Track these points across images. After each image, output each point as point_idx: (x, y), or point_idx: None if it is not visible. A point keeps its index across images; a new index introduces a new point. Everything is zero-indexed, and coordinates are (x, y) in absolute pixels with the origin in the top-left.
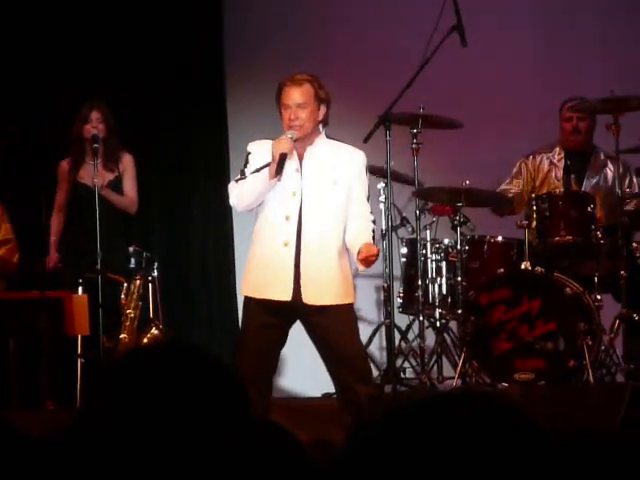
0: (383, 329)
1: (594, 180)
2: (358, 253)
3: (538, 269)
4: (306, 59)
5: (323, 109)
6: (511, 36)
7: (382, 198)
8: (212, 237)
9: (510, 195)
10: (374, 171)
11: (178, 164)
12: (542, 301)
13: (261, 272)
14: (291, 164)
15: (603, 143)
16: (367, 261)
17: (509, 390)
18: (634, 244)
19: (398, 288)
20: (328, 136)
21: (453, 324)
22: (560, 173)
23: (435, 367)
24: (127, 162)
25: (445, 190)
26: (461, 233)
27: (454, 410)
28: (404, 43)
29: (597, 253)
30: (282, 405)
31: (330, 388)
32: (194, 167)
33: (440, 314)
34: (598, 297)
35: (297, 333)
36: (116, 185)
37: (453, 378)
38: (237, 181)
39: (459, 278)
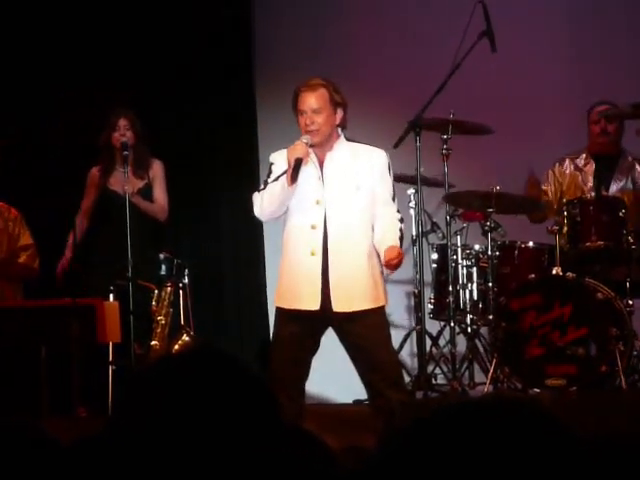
0: (414, 335)
1: (621, 183)
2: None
3: (569, 274)
4: (335, 64)
5: (340, 113)
6: (542, 40)
7: (412, 204)
8: (242, 243)
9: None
10: (404, 179)
11: (208, 170)
12: (573, 306)
13: (290, 282)
14: (312, 172)
15: (633, 148)
16: (390, 265)
17: (540, 396)
18: None
19: (429, 294)
20: (348, 138)
21: (484, 330)
22: (586, 177)
23: (466, 373)
24: (157, 169)
25: (476, 195)
26: (492, 239)
27: (485, 416)
28: (434, 49)
29: (629, 258)
30: (313, 411)
31: (361, 394)
32: (224, 173)
33: (471, 320)
34: (630, 302)
35: (328, 339)
36: (146, 192)
37: (484, 384)
38: (259, 191)
39: (490, 284)
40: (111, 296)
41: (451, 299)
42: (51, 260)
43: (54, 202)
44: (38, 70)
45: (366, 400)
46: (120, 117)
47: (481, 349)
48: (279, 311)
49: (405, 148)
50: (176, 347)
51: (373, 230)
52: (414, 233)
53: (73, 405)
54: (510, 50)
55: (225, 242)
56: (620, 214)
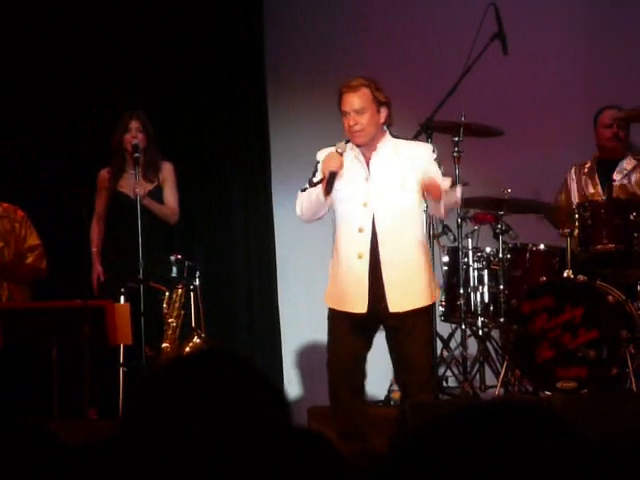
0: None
1: (618, 181)
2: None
3: (580, 277)
4: (344, 64)
5: (384, 111)
6: (555, 43)
7: (424, 207)
8: (254, 246)
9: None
10: None
11: (219, 173)
12: (584, 309)
13: (338, 284)
14: (359, 172)
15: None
16: (429, 188)
17: (552, 399)
18: None
19: (440, 296)
20: (394, 135)
21: (495, 333)
22: (588, 182)
23: (477, 376)
24: (167, 171)
25: (487, 198)
26: (503, 241)
27: (496, 419)
28: (445, 51)
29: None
30: (325, 413)
31: (376, 396)
32: (235, 175)
33: (482, 322)
34: None
35: None
36: (157, 194)
37: (495, 387)
38: (303, 190)
39: (501, 286)
40: (122, 298)
41: (462, 302)
42: (58, 261)
43: (61, 202)
44: (46, 70)
45: (379, 402)
46: (132, 119)
47: (492, 352)
48: (331, 311)
49: None
50: (187, 349)
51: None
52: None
53: (84, 407)
54: (522, 53)
55: (237, 245)
56: (631, 217)
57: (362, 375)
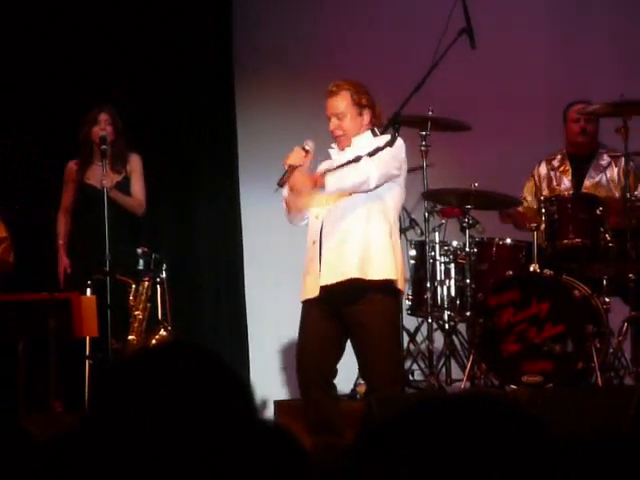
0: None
1: (595, 179)
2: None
3: (547, 271)
4: (313, 62)
5: (367, 115)
6: (522, 38)
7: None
8: (220, 239)
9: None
10: None
11: (186, 166)
12: (551, 303)
13: (305, 274)
14: (330, 165)
15: (610, 144)
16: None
17: (517, 392)
18: None
19: (407, 290)
20: (375, 134)
21: (462, 326)
22: (560, 178)
23: (444, 369)
24: (135, 163)
25: (454, 192)
26: (470, 235)
27: (462, 413)
28: (414, 46)
29: (606, 255)
30: (292, 406)
31: (342, 390)
32: (202, 169)
33: (449, 316)
34: (606, 300)
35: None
36: (124, 186)
37: (461, 380)
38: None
39: (468, 280)
40: (88, 290)
41: (429, 295)
42: (25, 253)
43: (30, 195)
44: (12, 64)
45: (345, 395)
46: (101, 111)
47: (458, 345)
48: (302, 306)
49: None
50: (153, 342)
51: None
52: None
53: (49, 399)
54: (491, 48)
55: (204, 237)
56: (597, 212)
57: (332, 368)
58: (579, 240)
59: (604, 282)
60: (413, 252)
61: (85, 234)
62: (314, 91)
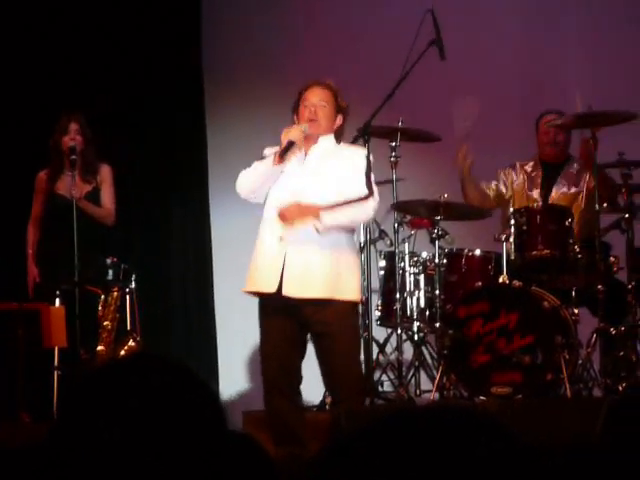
0: (361, 342)
1: (563, 188)
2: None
3: (516, 283)
4: (284, 70)
5: (340, 120)
6: (493, 50)
7: None
8: (191, 249)
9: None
10: None
11: (157, 176)
12: (520, 314)
13: (256, 267)
14: (298, 163)
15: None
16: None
17: (486, 404)
18: (612, 258)
19: (376, 301)
20: (339, 141)
21: (431, 337)
22: (532, 185)
23: (413, 380)
24: (105, 173)
25: (424, 203)
26: (439, 246)
27: (431, 424)
28: (385, 55)
29: (575, 267)
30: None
31: (311, 401)
32: (173, 179)
33: (418, 327)
34: (575, 311)
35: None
36: (94, 196)
37: (431, 391)
38: (245, 169)
39: (437, 291)
40: (57, 301)
41: (398, 306)
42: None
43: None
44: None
45: (314, 406)
46: (70, 121)
47: (428, 356)
48: (259, 302)
49: None
50: (122, 352)
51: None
52: (362, 240)
53: (17, 410)
54: (460, 59)
55: (173, 248)
56: (566, 223)
57: (296, 377)
58: (548, 251)
59: (573, 293)
60: (383, 263)
61: (54, 244)
62: (285, 99)
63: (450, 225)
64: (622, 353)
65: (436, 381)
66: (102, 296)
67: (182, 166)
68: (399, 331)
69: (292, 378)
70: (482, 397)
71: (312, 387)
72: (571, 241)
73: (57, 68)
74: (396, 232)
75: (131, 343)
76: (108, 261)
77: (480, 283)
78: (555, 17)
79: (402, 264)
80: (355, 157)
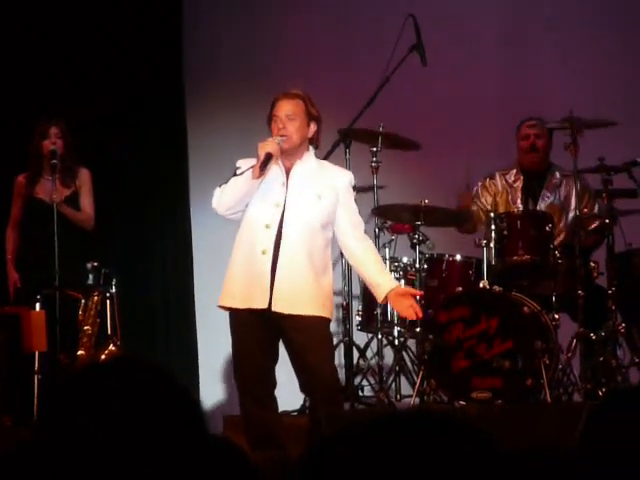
0: (342, 347)
1: (549, 200)
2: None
3: (496, 288)
4: (265, 76)
5: (313, 127)
6: (473, 56)
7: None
8: (171, 254)
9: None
10: None
11: (137, 180)
12: (500, 320)
13: (236, 282)
14: (277, 177)
15: (561, 161)
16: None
17: (466, 409)
18: (592, 264)
19: (357, 306)
20: (318, 157)
21: (411, 342)
22: (516, 194)
23: (393, 385)
24: (84, 177)
25: (404, 208)
26: (420, 251)
27: (412, 429)
28: (366, 59)
29: (555, 272)
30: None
31: (289, 406)
32: (153, 184)
33: (398, 332)
34: (556, 316)
35: None
36: (73, 201)
37: (411, 396)
38: (221, 186)
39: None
40: (37, 305)
41: (379, 311)
42: None
43: None
44: None
45: (295, 411)
46: (52, 125)
47: (408, 361)
48: (232, 313)
49: (334, 160)
50: (103, 357)
51: (350, 252)
52: None
53: None
54: (442, 64)
55: (153, 252)
56: (547, 228)
57: (271, 383)
58: (528, 257)
59: (553, 298)
60: None
61: (34, 248)
62: (264, 107)
63: (431, 230)
64: (602, 358)
65: (416, 386)
66: (82, 300)
67: (163, 170)
68: (380, 336)
69: (266, 383)
70: (462, 402)
71: (292, 392)
72: (551, 247)
73: (36, 71)
74: (377, 237)
75: (111, 347)
76: (88, 265)
77: (460, 288)
78: (535, 22)
79: None
80: (339, 178)
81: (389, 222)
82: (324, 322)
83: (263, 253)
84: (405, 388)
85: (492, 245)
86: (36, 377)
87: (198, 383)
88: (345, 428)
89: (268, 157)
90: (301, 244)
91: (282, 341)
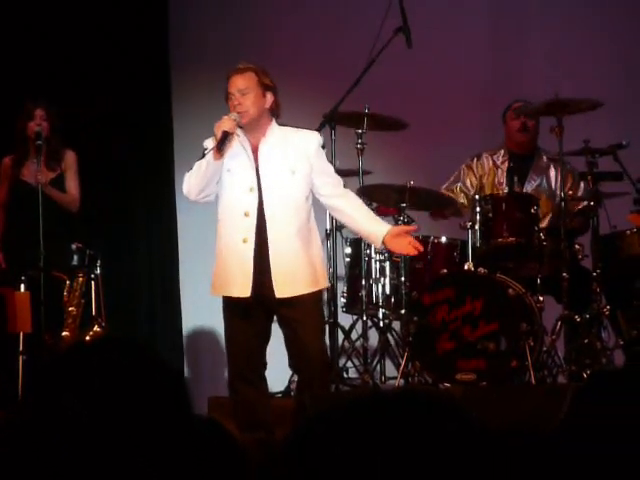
0: (326, 328)
1: (536, 182)
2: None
3: (481, 270)
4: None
5: (270, 97)
6: (458, 38)
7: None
8: (156, 236)
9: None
10: None
11: (122, 162)
12: (485, 302)
13: (222, 270)
14: (245, 161)
15: (547, 145)
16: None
17: (451, 390)
18: (577, 246)
19: (342, 288)
20: (281, 124)
21: (396, 324)
22: (503, 176)
23: (378, 367)
24: (70, 159)
25: (390, 189)
26: None
27: (395, 407)
28: (351, 42)
29: (540, 255)
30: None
31: (274, 387)
32: (138, 165)
33: (383, 314)
34: (540, 298)
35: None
36: (58, 183)
37: (396, 378)
38: (189, 171)
39: (402, 278)
40: (22, 286)
41: (364, 293)
42: None
43: None
44: None
45: (279, 393)
46: (37, 107)
47: (393, 343)
48: (223, 301)
49: None
50: (87, 338)
51: (332, 208)
52: (328, 227)
53: None
54: (428, 46)
55: (139, 234)
56: (532, 211)
57: (261, 365)
58: (513, 239)
59: (538, 281)
60: (348, 250)
61: (19, 230)
62: None
63: (416, 212)
64: (586, 341)
65: (401, 368)
66: (67, 282)
67: (148, 154)
68: (364, 318)
69: (257, 365)
70: (447, 384)
71: (277, 374)
72: (536, 229)
73: (22, 54)
74: None
75: (96, 328)
76: (73, 247)
77: (445, 270)
78: (522, 5)
79: (368, 251)
80: (307, 142)
81: (374, 204)
82: (317, 295)
83: (244, 242)
84: (390, 370)
85: (477, 227)
86: (21, 358)
87: (183, 365)
88: (329, 409)
89: (225, 135)
90: (287, 226)
91: (276, 317)
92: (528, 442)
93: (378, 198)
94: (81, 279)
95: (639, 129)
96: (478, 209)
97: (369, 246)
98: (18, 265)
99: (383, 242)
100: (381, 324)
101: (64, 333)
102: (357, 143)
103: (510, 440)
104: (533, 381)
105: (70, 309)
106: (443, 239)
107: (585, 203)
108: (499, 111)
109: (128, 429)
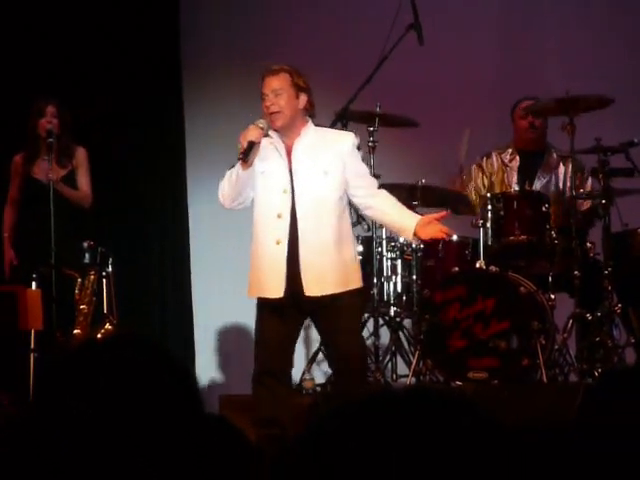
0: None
1: (545, 180)
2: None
3: (492, 268)
4: (263, 57)
5: (303, 97)
6: (470, 36)
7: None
8: (168, 233)
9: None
10: None
11: (134, 160)
12: (496, 300)
13: (256, 272)
14: (279, 162)
15: (558, 143)
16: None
17: (463, 389)
18: (588, 244)
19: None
20: (317, 124)
21: (408, 322)
22: (512, 174)
23: (389, 365)
24: (81, 156)
25: (401, 188)
26: None
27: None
28: (362, 40)
29: (551, 252)
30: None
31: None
32: (150, 163)
33: (395, 312)
34: (552, 296)
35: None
36: (70, 180)
37: (407, 376)
38: (224, 176)
39: (414, 276)
40: (34, 283)
41: (375, 291)
42: None
43: None
44: None
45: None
46: (48, 104)
47: (404, 341)
48: (258, 300)
49: None
50: (99, 336)
51: (368, 207)
52: None
53: None
54: (440, 44)
55: (151, 232)
56: (543, 209)
57: (289, 363)
58: (525, 237)
59: (549, 279)
60: (360, 248)
61: (31, 227)
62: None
63: (427, 211)
64: (598, 339)
65: (412, 366)
66: (79, 279)
67: (160, 151)
68: (376, 316)
69: (285, 363)
70: (458, 382)
71: None
72: (548, 227)
73: (34, 53)
74: None
75: (108, 326)
76: (85, 244)
77: (457, 268)
78: (532, 3)
79: (379, 249)
80: (341, 143)
81: None
82: (353, 295)
83: (277, 243)
84: (401, 368)
85: (489, 225)
86: (32, 355)
87: (194, 363)
88: (342, 405)
89: (250, 145)
90: (318, 226)
91: (311, 320)
92: (542, 438)
93: None
94: (93, 277)
95: None
96: (489, 207)
97: (380, 244)
98: (30, 262)
99: (415, 233)
100: (392, 322)
101: (75, 331)
102: (369, 141)
103: (524, 436)
104: (545, 379)
105: (82, 307)
106: (455, 237)
107: (590, 204)
108: (509, 108)
109: (138, 427)
